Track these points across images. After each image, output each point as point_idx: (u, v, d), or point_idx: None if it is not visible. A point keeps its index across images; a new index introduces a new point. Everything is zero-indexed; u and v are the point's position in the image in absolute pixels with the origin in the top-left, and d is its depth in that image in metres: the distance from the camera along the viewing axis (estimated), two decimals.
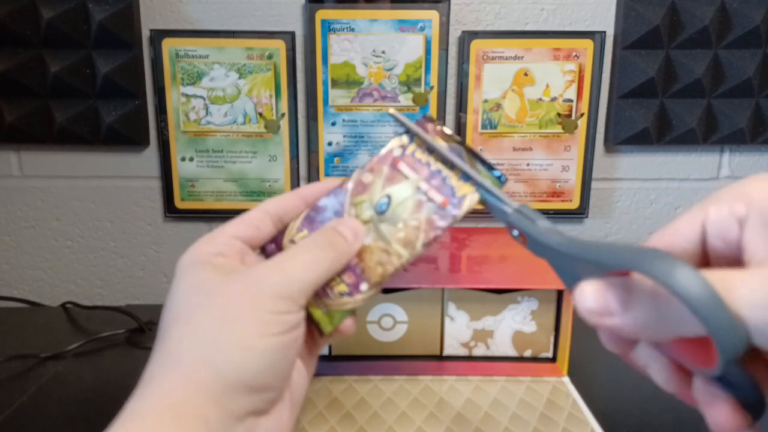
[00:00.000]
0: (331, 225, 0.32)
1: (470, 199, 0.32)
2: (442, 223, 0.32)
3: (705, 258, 0.24)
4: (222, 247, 0.30)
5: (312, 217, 0.33)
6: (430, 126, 0.35)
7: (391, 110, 0.35)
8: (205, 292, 0.27)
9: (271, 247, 0.33)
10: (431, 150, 0.34)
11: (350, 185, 0.34)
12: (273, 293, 0.27)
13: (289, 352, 0.28)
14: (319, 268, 0.30)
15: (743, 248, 0.22)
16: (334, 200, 0.34)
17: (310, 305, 0.32)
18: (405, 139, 0.34)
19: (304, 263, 0.29)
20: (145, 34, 0.73)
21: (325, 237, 0.31)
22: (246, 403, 0.26)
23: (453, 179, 0.33)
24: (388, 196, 0.33)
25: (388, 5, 0.71)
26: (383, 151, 0.35)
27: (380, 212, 0.33)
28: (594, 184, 0.78)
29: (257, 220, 0.32)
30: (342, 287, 0.32)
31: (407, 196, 0.33)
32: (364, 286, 0.32)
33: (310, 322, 0.32)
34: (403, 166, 0.34)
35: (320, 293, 0.32)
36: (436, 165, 0.33)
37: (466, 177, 0.32)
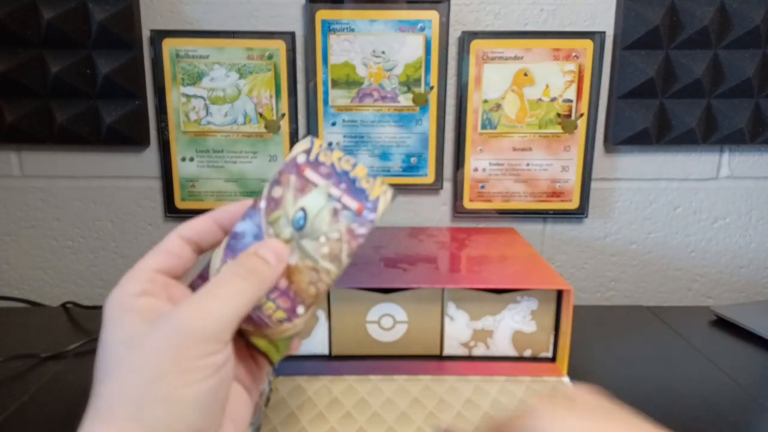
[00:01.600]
0: (251, 250, 0.31)
1: (384, 200, 0.31)
2: (363, 230, 0.31)
3: None
4: (145, 284, 0.29)
5: (233, 246, 0.32)
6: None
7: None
8: (129, 345, 0.27)
9: (198, 282, 0.32)
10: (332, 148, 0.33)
11: (263, 204, 0.33)
12: (196, 338, 0.26)
13: (219, 393, 0.27)
14: (242, 299, 0.28)
15: None
16: (250, 223, 0.32)
17: (252, 336, 0.31)
18: (307, 142, 0.33)
19: (226, 298, 0.28)
20: (146, 34, 0.73)
21: (245, 265, 0.30)
22: None
23: (362, 180, 0.31)
24: (303, 210, 0.32)
25: (388, 5, 0.71)
26: (287, 159, 0.33)
27: (299, 228, 0.31)
28: (593, 184, 0.78)
29: (177, 248, 0.31)
30: (279, 314, 0.31)
31: (321, 206, 0.31)
32: (300, 309, 0.31)
33: (255, 350, 0.32)
34: (309, 173, 0.32)
35: (260, 323, 0.31)
36: (340, 165, 0.32)
37: (372, 175, 0.31)
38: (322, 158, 0.32)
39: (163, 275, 0.30)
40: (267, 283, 0.30)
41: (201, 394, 0.26)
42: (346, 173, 0.31)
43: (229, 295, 0.28)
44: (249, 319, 0.31)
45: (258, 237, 0.32)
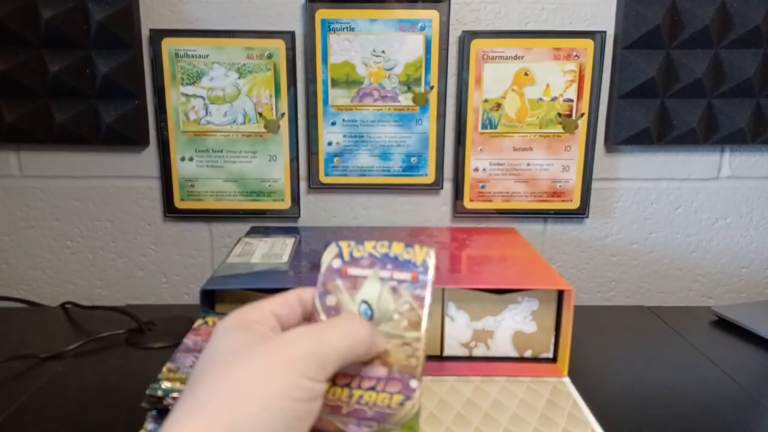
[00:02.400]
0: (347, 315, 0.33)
1: (431, 260, 0.33)
2: (425, 292, 0.33)
3: None
4: (261, 317, 0.31)
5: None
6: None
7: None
8: (245, 347, 0.28)
9: None
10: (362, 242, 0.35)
11: (323, 317, 0.34)
12: (306, 356, 0.28)
13: (304, 423, 0.28)
14: (352, 340, 0.30)
15: None
16: None
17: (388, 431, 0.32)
18: (334, 248, 0.35)
19: (341, 332, 0.30)
20: (145, 33, 0.73)
21: (350, 317, 0.32)
22: None
23: (403, 254, 0.33)
24: (365, 302, 0.33)
25: (388, 5, 0.71)
26: (323, 270, 0.35)
27: (369, 319, 0.33)
28: (594, 184, 0.78)
29: (293, 303, 0.33)
30: (397, 398, 0.32)
31: (380, 290, 0.33)
32: (413, 383, 0.32)
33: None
34: (352, 271, 0.34)
35: (384, 416, 0.32)
36: (377, 251, 0.34)
37: (408, 245, 0.33)
38: (356, 254, 0.34)
39: (275, 319, 0.32)
40: (367, 340, 0.31)
41: (293, 411, 0.27)
42: (386, 255, 0.34)
43: (343, 331, 0.30)
44: (373, 418, 0.32)
45: None
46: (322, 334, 0.30)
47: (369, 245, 0.34)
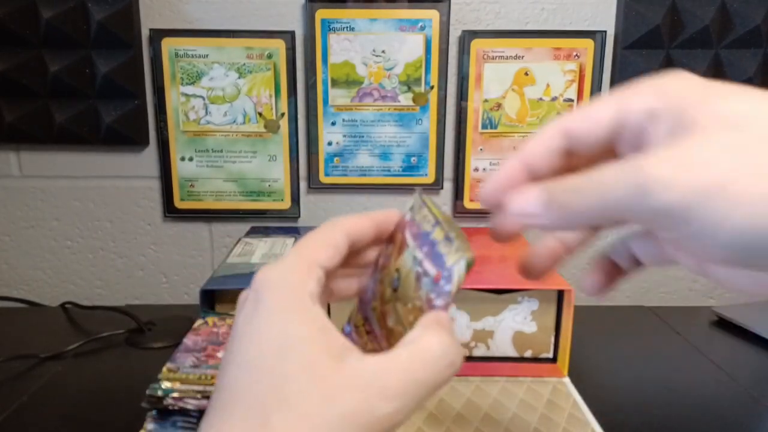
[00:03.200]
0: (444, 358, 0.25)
1: (458, 269, 0.26)
2: (440, 303, 0.27)
3: (610, 146, 0.24)
4: (317, 286, 0.25)
5: (363, 301, 0.31)
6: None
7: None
8: (312, 375, 0.22)
9: (351, 335, 0.31)
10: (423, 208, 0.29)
11: (381, 260, 0.30)
12: (397, 395, 0.23)
13: None
14: (428, 388, 0.24)
15: (648, 142, 0.23)
16: (371, 280, 0.31)
17: None
18: (414, 198, 0.30)
19: (428, 374, 0.24)
20: (145, 33, 0.73)
21: (446, 357, 0.25)
22: None
23: (441, 244, 0.27)
24: (398, 270, 0.29)
25: (388, 4, 0.71)
26: (404, 217, 0.30)
27: (395, 289, 0.29)
28: None
29: (341, 246, 0.27)
30: None
31: (409, 269, 0.28)
32: None
33: None
34: (407, 233, 0.29)
35: None
36: (425, 225, 0.28)
37: (448, 238, 0.27)
38: (416, 217, 0.29)
39: (324, 273, 0.27)
40: (454, 370, 0.26)
41: None
42: (427, 235, 0.28)
43: (428, 374, 0.24)
44: None
45: (374, 294, 0.30)
46: (414, 375, 0.23)
47: (423, 213, 0.28)
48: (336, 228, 0.27)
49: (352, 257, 0.29)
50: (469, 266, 0.26)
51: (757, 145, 0.19)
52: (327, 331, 0.24)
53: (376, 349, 0.29)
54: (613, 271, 0.30)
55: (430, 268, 0.27)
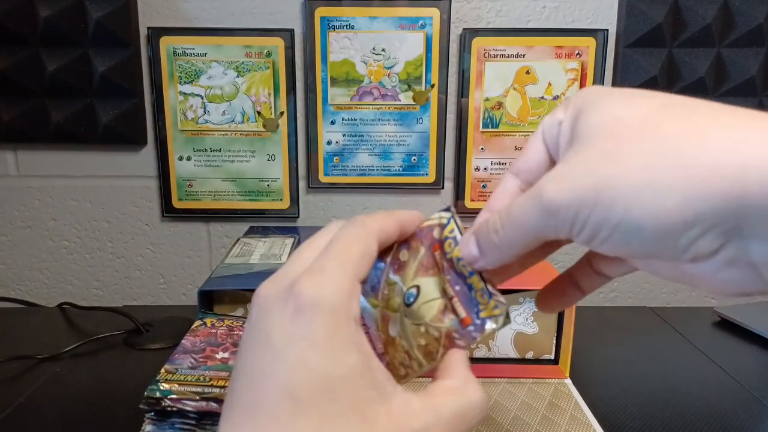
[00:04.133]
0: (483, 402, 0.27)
1: (491, 325, 0.27)
2: (462, 344, 0.27)
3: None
4: (357, 306, 0.25)
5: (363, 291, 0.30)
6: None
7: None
8: (362, 416, 0.22)
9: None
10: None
11: (389, 259, 0.30)
12: None
13: None
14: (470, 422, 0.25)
15: (559, 148, 0.25)
16: (374, 273, 0.30)
17: None
18: (446, 218, 0.29)
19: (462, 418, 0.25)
20: (143, 32, 0.72)
21: (483, 413, 0.27)
22: None
23: (477, 293, 0.27)
24: (417, 288, 0.29)
25: (388, 2, 0.70)
26: (425, 224, 0.29)
27: (408, 303, 0.29)
28: None
29: (374, 253, 0.27)
30: None
31: (434, 297, 0.28)
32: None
33: None
34: (439, 255, 0.29)
35: None
36: (459, 266, 0.28)
37: (487, 292, 0.27)
38: (446, 248, 0.28)
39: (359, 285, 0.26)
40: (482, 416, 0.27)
41: None
42: (463, 277, 0.28)
43: (466, 428, 0.25)
44: None
45: (375, 290, 0.30)
46: (454, 428, 0.24)
47: (457, 253, 0.28)
48: (370, 233, 0.27)
49: None
50: (503, 325, 0.27)
51: (623, 147, 0.21)
52: (372, 363, 0.24)
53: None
54: (572, 289, 0.31)
55: (460, 309, 0.27)
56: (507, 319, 0.27)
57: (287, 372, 0.22)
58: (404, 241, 0.30)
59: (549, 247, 0.29)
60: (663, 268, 0.24)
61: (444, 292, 0.28)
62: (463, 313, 0.27)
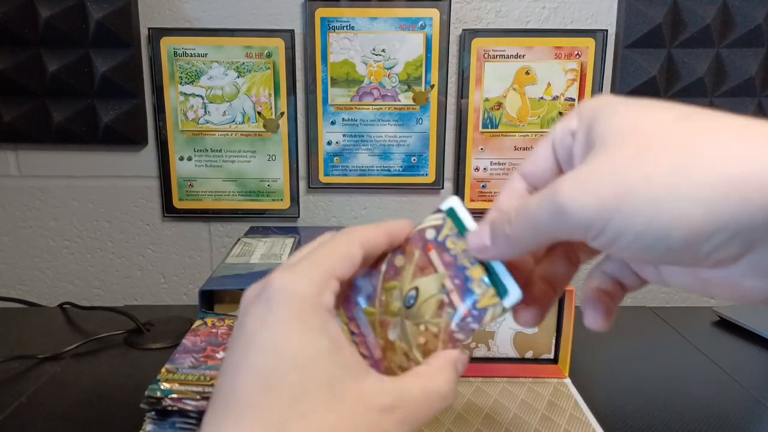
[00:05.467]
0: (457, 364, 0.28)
1: (491, 314, 0.27)
2: (461, 337, 0.28)
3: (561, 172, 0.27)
4: (333, 299, 0.26)
5: (348, 297, 0.30)
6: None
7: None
8: (332, 393, 0.23)
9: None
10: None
11: (383, 267, 0.30)
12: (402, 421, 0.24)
13: None
14: (442, 406, 0.26)
15: (573, 156, 0.25)
16: (367, 282, 0.30)
17: None
18: (440, 219, 0.30)
19: (436, 404, 0.26)
20: (144, 32, 0.72)
21: (447, 401, 0.27)
22: None
23: (475, 283, 0.28)
24: (416, 289, 0.29)
25: (388, 3, 0.71)
26: (417, 228, 0.30)
27: (408, 306, 0.29)
28: None
29: (357, 259, 0.27)
30: None
31: (433, 294, 0.29)
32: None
33: None
34: (433, 255, 0.29)
35: None
36: (462, 259, 0.28)
37: (488, 280, 0.28)
38: (449, 244, 0.29)
39: (339, 284, 0.27)
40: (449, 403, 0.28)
41: None
42: (463, 269, 0.28)
43: (430, 413, 0.26)
44: None
45: (371, 298, 0.30)
46: (419, 409, 0.25)
47: (462, 246, 0.29)
48: (353, 240, 0.27)
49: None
50: (502, 314, 0.27)
51: (646, 156, 0.21)
52: (344, 347, 0.24)
53: (364, 354, 0.29)
54: (607, 299, 0.30)
55: (458, 303, 0.28)
56: (504, 309, 0.27)
57: (258, 355, 0.23)
58: (398, 248, 0.30)
59: (569, 260, 0.29)
60: (677, 275, 0.24)
61: (442, 287, 0.29)
62: (462, 308, 0.28)
